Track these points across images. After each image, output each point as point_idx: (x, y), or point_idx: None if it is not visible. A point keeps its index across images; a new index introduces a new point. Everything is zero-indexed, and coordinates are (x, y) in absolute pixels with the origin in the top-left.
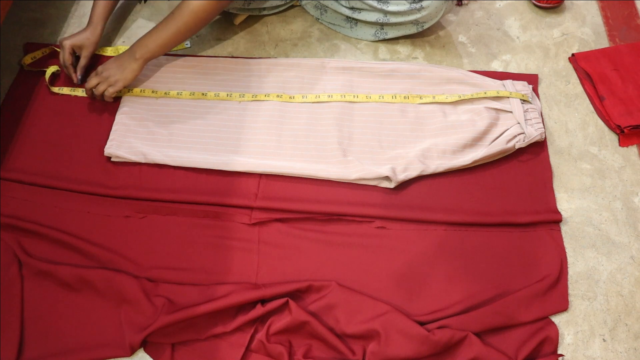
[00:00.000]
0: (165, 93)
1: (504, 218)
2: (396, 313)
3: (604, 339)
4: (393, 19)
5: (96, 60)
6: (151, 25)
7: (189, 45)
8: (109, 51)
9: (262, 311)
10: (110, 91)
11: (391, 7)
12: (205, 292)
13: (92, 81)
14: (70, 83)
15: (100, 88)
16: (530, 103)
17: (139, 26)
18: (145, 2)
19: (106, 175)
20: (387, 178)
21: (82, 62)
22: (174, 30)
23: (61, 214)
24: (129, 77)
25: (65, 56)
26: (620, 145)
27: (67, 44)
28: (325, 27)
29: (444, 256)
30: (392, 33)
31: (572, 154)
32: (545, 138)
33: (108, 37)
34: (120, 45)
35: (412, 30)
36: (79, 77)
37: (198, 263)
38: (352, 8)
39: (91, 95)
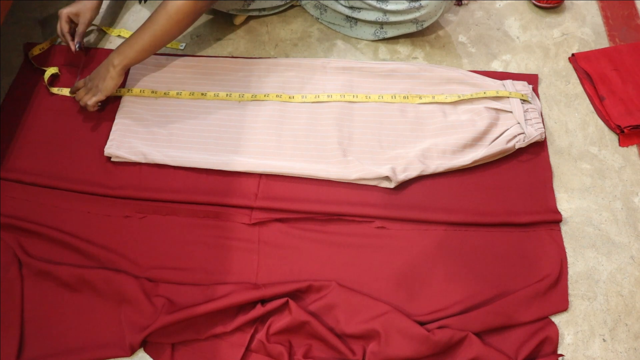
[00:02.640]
0: (165, 93)
1: (504, 218)
2: (396, 313)
3: (604, 339)
4: (392, 18)
5: (96, 57)
6: None
7: (182, 48)
8: (114, 32)
9: (262, 311)
10: (93, 100)
11: (390, 6)
12: (205, 292)
13: (79, 92)
14: (70, 84)
15: (84, 98)
16: (530, 103)
17: (139, 26)
18: (145, 2)
19: (106, 175)
20: (387, 178)
21: (80, 28)
22: (151, 34)
23: (61, 214)
24: (110, 86)
25: (61, 24)
26: (620, 145)
27: (64, 12)
28: (325, 27)
29: (444, 256)
30: (391, 32)
31: (572, 154)
32: (545, 138)
33: (108, 37)
34: (124, 30)
35: (412, 29)
36: (77, 44)
37: (198, 263)
38: (351, 7)
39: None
